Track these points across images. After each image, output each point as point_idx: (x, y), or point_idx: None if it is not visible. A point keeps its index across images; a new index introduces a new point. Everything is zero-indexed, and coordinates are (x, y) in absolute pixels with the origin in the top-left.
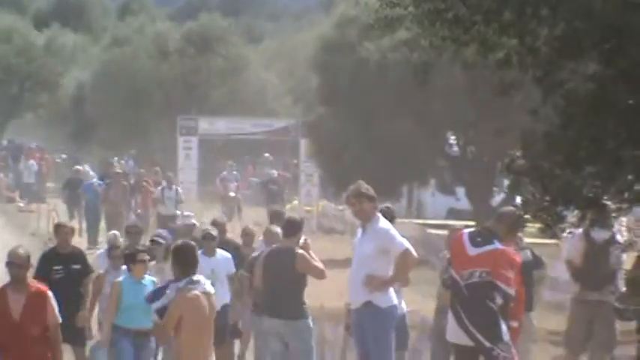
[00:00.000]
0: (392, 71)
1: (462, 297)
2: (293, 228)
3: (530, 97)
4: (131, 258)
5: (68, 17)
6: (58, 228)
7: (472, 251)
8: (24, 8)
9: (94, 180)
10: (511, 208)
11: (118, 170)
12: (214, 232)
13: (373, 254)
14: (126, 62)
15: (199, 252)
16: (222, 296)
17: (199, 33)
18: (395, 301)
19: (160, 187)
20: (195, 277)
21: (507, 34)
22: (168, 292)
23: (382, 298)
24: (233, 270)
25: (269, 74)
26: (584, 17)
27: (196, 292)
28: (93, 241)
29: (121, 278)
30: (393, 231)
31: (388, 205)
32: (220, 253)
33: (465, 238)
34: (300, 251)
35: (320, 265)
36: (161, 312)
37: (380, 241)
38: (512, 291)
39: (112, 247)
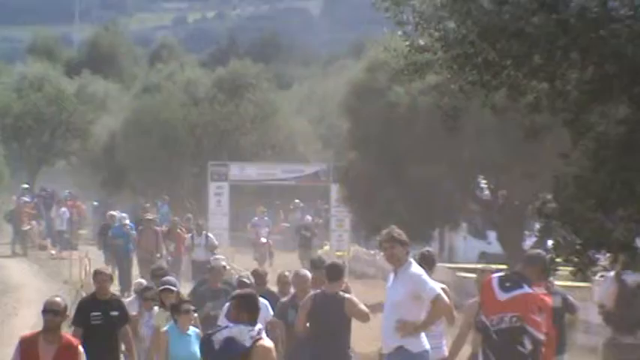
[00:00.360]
0: (422, 115)
1: (492, 342)
2: (337, 272)
3: (561, 141)
4: (176, 309)
5: (99, 65)
6: (97, 275)
7: (501, 296)
8: (55, 56)
9: (126, 222)
10: (539, 250)
11: (149, 217)
12: (248, 280)
13: (405, 299)
14: (157, 109)
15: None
16: None
17: (229, 79)
18: (427, 346)
19: (189, 235)
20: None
21: (537, 78)
22: (241, 341)
23: (414, 343)
24: (270, 316)
25: (299, 120)
26: (614, 61)
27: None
28: (126, 287)
29: (166, 328)
30: (425, 276)
31: (429, 249)
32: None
33: (494, 283)
34: (348, 295)
35: (365, 308)
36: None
37: (412, 287)
38: (542, 336)
39: (145, 288)
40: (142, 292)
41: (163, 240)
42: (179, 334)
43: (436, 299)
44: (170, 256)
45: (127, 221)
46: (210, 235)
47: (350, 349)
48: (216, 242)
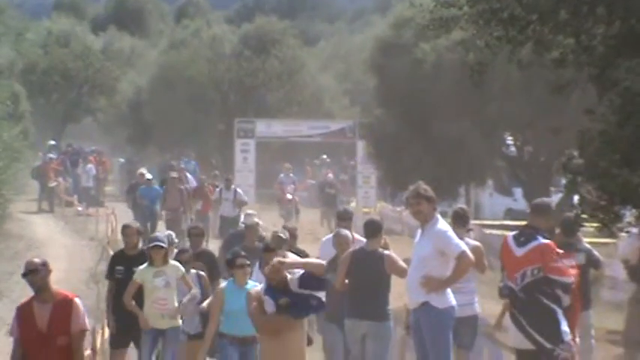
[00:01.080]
0: (448, 72)
1: (518, 302)
2: (375, 229)
3: (587, 96)
4: (231, 263)
5: (125, 21)
6: (125, 229)
7: (518, 252)
8: (82, 13)
9: (154, 186)
10: (544, 199)
11: (174, 175)
12: (283, 235)
13: (430, 255)
14: (183, 66)
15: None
16: None
17: (255, 36)
18: (453, 302)
19: (217, 189)
20: None
21: (563, 33)
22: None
23: (439, 299)
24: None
25: (325, 76)
26: None
27: None
28: None
29: (223, 284)
30: (451, 232)
31: (462, 206)
32: None
33: (510, 241)
34: (387, 252)
35: (404, 265)
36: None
37: (437, 243)
38: (569, 279)
39: (180, 251)
40: (178, 254)
41: (192, 197)
42: (236, 289)
43: (460, 256)
44: (197, 215)
45: (150, 177)
46: (239, 190)
47: (389, 306)
48: (245, 198)
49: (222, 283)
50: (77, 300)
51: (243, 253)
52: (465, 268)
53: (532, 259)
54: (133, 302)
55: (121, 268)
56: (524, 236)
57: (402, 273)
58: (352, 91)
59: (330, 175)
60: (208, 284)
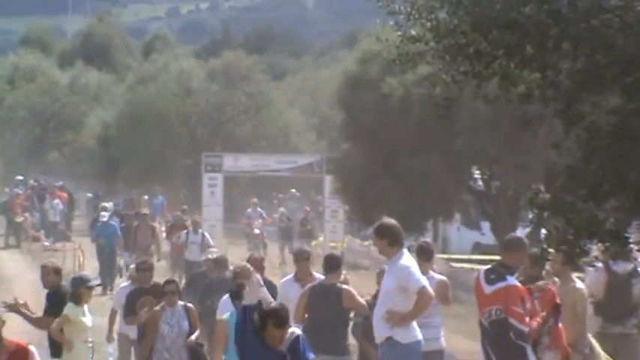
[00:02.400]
0: (415, 106)
1: (488, 335)
2: (334, 264)
3: (554, 131)
4: (235, 296)
5: (92, 56)
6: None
7: (487, 289)
8: (49, 48)
9: (111, 221)
10: (515, 234)
11: (145, 211)
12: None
13: (394, 290)
14: (150, 100)
15: (226, 296)
16: None
17: (223, 70)
18: (419, 337)
19: (184, 232)
20: None
21: (529, 68)
22: None
23: (403, 334)
24: None
25: (293, 111)
26: (606, 51)
27: None
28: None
29: (227, 315)
30: (414, 268)
31: (427, 240)
32: None
33: (481, 277)
34: (346, 286)
35: (362, 301)
36: None
37: (399, 278)
38: (524, 327)
39: (166, 282)
40: (165, 285)
41: (168, 236)
42: None
43: (420, 291)
44: (174, 249)
45: (105, 219)
46: (206, 234)
47: (347, 341)
48: (212, 242)
49: (225, 315)
50: (32, 348)
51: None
52: (424, 304)
53: (496, 300)
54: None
55: (45, 304)
56: (494, 274)
57: (360, 308)
58: (320, 125)
59: (282, 210)
60: (196, 317)
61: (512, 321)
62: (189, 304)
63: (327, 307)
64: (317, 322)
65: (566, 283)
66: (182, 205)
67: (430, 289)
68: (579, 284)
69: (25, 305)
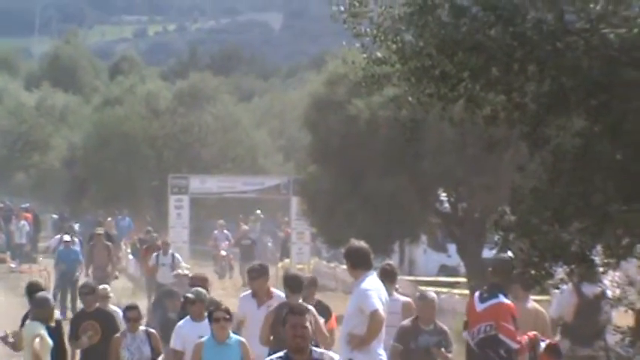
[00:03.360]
0: (382, 128)
1: (473, 356)
2: (298, 285)
3: (519, 154)
4: (209, 317)
5: (59, 78)
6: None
7: (479, 307)
8: (15, 69)
9: (74, 247)
10: (502, 255)
11: (99, 231)
12: (195, 295)
13: (353, 313)
14: (117, 122)
15: (187, 317)
16: None
17: (190, 92)
18: (383, 357)
19: (155, 254)
20: None
21: (494, 91)
22: None
23: (363, 357)
24: None
25: (260, 132)
26: (571, 74)
27: None
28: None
29: (203, 339)
30: (372, 291)
31: (390, 262)
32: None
33: (476, 296)
34: (309, 307)
35: (326, 332)
36: None
37: (358, 301)
38: (515, 344)
39: (127, 308)
40: (126, 311)
41: (144, 258)
42: (216, 345)
43: (372, 314)
44: (149, 271)
45: (69, 238)
46: (176, 254)
47: None
48: (183, 262)
49: (203, 338)
50: None
51: (223, 306)
52: (375, 327)
53: (488, 316)
54: None
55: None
56: (488, 292)
57: (322, 339)
58: (287, 147)
59: (245, 227)
60: (159, 342)
61: (502, 337)
62: (151, 330)
63: None
64: (282, 343)
65: (524, 305)
66: (147, 227)
67: (382, 313)
68: (536, 305)
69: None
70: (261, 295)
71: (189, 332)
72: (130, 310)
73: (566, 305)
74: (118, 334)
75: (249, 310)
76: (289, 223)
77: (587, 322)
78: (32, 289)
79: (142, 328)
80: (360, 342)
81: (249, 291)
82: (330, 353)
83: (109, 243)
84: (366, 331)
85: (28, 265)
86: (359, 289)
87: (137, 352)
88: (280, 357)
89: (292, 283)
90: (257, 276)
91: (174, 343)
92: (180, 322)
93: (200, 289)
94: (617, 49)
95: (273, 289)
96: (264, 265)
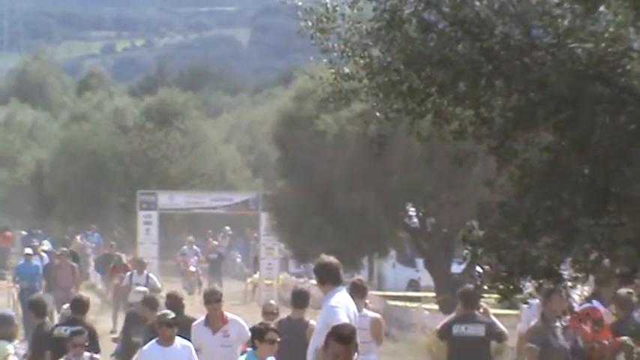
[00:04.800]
0: (350, 144)
1: None
2: (303, 299)
3: (487, 168)
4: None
5: (27, 94)
6: None
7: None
8: None
9: (34, 261)
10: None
11: (63, 249)
12: (172, 316)
13: (321, 329)
14: (85, 138)
15: (154, 341)
16: None
17: (158, 108)
18: None
19: (128, 273)
20: None
21: (462, 105)
22: None
23: None
24: None
25: (228, 148)
26: (538, 88)
27: None
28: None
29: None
30: (340, 308)
31: (360, 278)
32: (180, 341)
33: None
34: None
35: None
36: None
37: (326, 316)
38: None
39: (74, 332)
40: (71, 337)
41: (110, 276)
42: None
43: None
44: (117, 289)
45: (31, 251)
46: (152, 275)
47: None
48: (159, 285)
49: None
50: None
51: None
52: None
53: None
54: None
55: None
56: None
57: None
58: (255, 162)
59: (215, 242)
60: None
61: None
62: (96, 356)
63: (293, 341)
64: (283, 356)
65: None
66: (110, 242)
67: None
68: None
69: None
70: (215, 321)
71: (155, 357)
72: (77, 336)
73: (533, 320)
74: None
75: (204, 338)
76: (258, 238)
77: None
78: None
79: (86, 354)
80: None
81: (201, 319)
82: None
83: (74, 264)
84: None
85: None
86: (327, 305)
87: None
88: None
89: (297, 298)
90: (212, 300)
91: None
92: (146, 347)
93: (169, 311)
94: (584, 64)
95: (227, 314)
96: (218, 290)
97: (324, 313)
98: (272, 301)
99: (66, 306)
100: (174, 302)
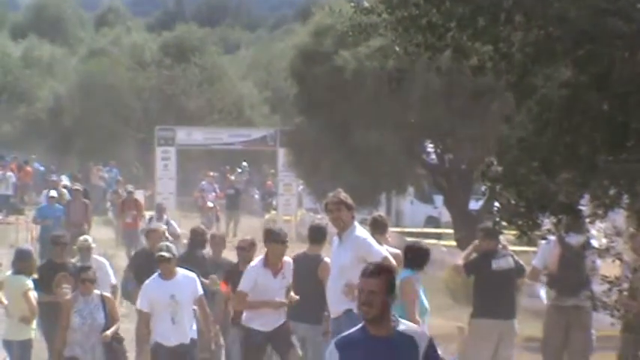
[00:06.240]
0: (368, 80)
1: None
2: (320, 235)
3: (506, 104)
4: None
5: (45, 29)
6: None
7: None
8: (1, 21)
9: (56, 204)
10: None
11: (77, 187)
12: (168, 252)
13: (351, 263)
14: (103, 73)
15: (155, 275)
16: (188, 329)
17: (176, 43)
18: None
19: (148, 218)
20: None
21: (481, 41)
22: None
23: None
24: (199, 293)
25: (246, 84)
26: (558, 23)
27: None
28: None
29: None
30: (371, 239)
31: (381, 214)
32: (182, 273)
33: None
34: (327, 259)
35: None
36: None
37: (357, 250)
38: None
39: (81, 268)
40: (79, 272)
41: (120, 212)
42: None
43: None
44: (126, 228)
45: (56, 194)
46: (172, 221)
47: (326, 311)
48: (179, 230)
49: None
50: None
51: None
52: None
53: None
54: None
55: None
56: None
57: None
58: (273, 99)
59: (232, 177)
60: (115, 308)
61: None
62: (106, 294)
63: (307, 276)
64: (298, 292)
65: None
66: (127, 186)
67: (392, 259)
68: None
69: None
70: (275, 264)
71: (157, 292)
72: (84, 271)
73: (549, 255)
74: (68, 297)
75: (265, 280)
76: (276, 174)
77: (572, 273)
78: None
79: (96, 291)
80: None
81: (260, 259)
82: (421, 329)
83: (87, 200)
84: None
85: (14, 216)
86: (355, 238)
87: (89, 318)
88: (358, 329)
89: (314, 233)
90: (278, 241)
91: (141, 303)
92: (148, 281)
93: (170, 245)
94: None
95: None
96: (285, 232)
97: (354, 246)
98: (248, 237)
99: (83, 238)
100: (195, 237)
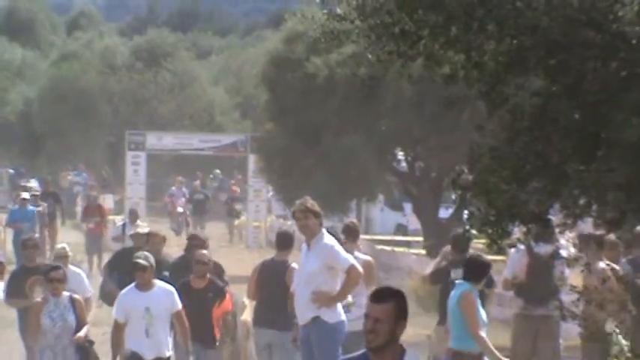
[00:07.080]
0: (339, 86)
1: None
2: (287, 241)
3: (477, 113)
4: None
5: (16, 32)
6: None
7: None
8: None
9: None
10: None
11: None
12: (146, 261)
13: (319, 270)
14: (74, 77)
15: (132, 285)
16: (164, 342)
17: (147, 48)
18: (343, 317)
19: (121, 223)
20: None
21: (454, 49)
22: None
23: (330, 314)
24: (177, 307)
25: (217, 90)
26: (530, 33)
27: None
28: None
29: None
30: (338, 247)
31: (353, 220)
32: (160, 286)
33: None
34: (294, 264)
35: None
36: None
37: (325, 258)
38: None
39: (51, 268)
40: (49, 272)
41: (84, 217)
42: None
43: (350, 269)
44: (89, 233)
45: (27, 196)
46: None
47: (294, 317)
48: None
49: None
50: None
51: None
52: (355, 282)
53: None
54: None
55: None
56: None
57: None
58: (244, 104)
59: (197, 182)
60: (84, 310)
61: None
62: (76, 295)
63: (275, 282)
64: (265, 297)
65: None
66: (92, 192)
67: (359, 267)
68: None
69: None
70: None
71: (132, 303)
72: (54, 270)
73: (518, 264)
74: (39, 299)
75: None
76: (245, 180)
77: (541, 282)
78: None
79: (65, 293)
80: (331, 299)
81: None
82: None
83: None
84: (336, 287)
85: None
86: (323, 245)
87: (60, 320)
88: (359, 356)
89: (281, 239)
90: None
91: (116, 312)
92: (124, 291)
93: (148, 254)
94: (576, 9)
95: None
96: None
97: (321, 254)
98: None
99: (60, 246)
100: (192, 241)
